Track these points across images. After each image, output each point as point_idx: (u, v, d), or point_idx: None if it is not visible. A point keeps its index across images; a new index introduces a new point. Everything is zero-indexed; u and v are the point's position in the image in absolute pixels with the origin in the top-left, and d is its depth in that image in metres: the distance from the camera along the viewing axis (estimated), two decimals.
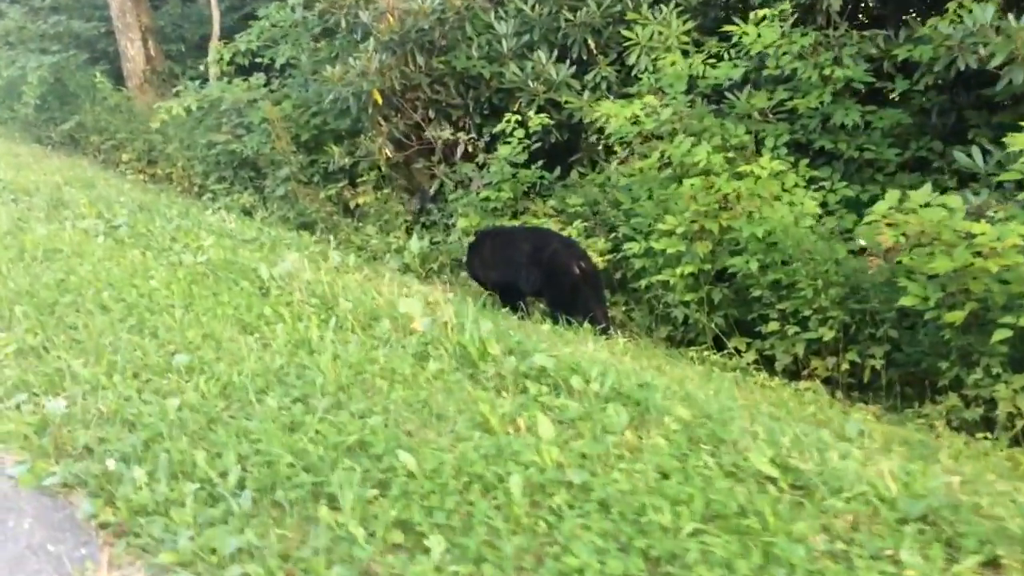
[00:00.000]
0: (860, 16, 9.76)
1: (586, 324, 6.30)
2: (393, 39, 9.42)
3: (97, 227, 6.73)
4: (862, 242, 5.79)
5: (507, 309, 6.80)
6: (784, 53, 7.65)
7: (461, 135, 8.84)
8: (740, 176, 6.70)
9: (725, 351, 6.49)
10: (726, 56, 8.32)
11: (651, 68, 8.84)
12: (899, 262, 5.50)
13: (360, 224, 9.65)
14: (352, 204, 9.90)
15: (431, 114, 10.02)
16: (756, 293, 6.29)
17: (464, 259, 7.95)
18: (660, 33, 9.08)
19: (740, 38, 7.81)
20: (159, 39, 15.98)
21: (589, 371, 3.90)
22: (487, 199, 8.33)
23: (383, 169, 9.79)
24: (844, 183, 7.51)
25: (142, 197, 10.01)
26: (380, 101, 9.44)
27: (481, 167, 8.73)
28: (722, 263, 6.61)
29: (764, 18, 7.90)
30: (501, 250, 7.44)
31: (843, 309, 5.96)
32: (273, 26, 10.72)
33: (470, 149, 8.81)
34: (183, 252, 6.05)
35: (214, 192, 11.40)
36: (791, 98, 7.61)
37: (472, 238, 7.89)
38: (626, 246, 6.96)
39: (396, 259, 8.84)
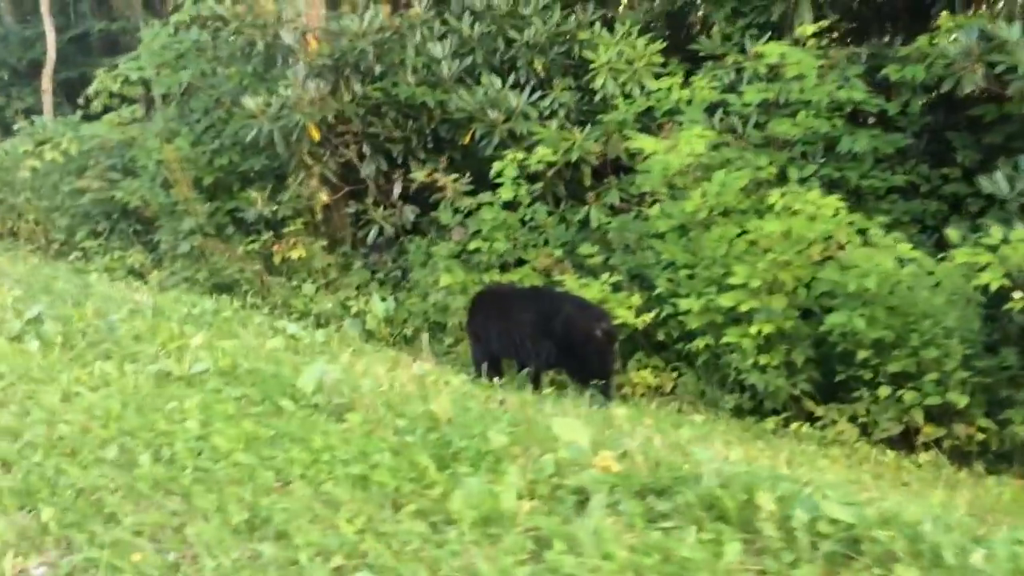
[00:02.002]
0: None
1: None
2: (327, 64, 7.97)
3: (9, 324, 4.96)
4: None
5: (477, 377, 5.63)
6: (807, 76, 6.89)
7: (439, 175, 7.50)
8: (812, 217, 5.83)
9: (817, 422, 5.59)
10: (725, 79, 7.51)
11: (622, 93, 7.92)
12: None
13: (296, 283, 8.09)
14: (277, 259, 8.30)
15: (365, 150, 8.63)
16: (862, 355, 5.40)
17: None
18: (621, 54, 8.16)
19: (762, 58, 7.01)
20: None
21: (904, 525, 2.81)
22: (476, 251, 7.04)
23: (317, 216, 8.28)
24: (862, 215, 6.78)
25: (13, 268, 7.98)
26: (317, 136, 7.95)
27: (456, 212, 7.43)
28: (788, 319, 5.72)
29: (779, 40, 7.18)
30: (495, 319, 6.21)
31: (970, 368, 5.20)
32: (163, 49, 8.90)
33: (449, 192, 7.49)
34: (162, 356, 4.47)
35: (84, 250, 9.39)
36: (826, 126, 6.84)
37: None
38: (680, 303, 5.91)
39: (355, 324, 7.39)
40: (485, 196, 7.17)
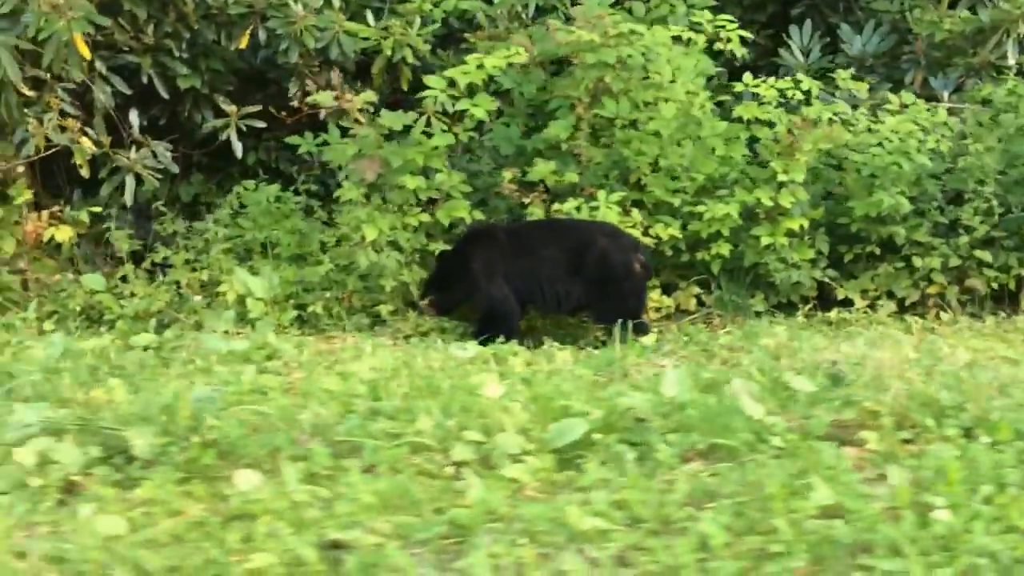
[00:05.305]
0: None
1: None
2: None
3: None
4: None
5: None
6: None
7: (340, 92, 5.45)
8: None
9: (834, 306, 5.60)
10: None
11: None
12: None
13: (74, 274, 5.37)
14: (15, 245, 5.38)
15: (96, 66, 5.95)
16: (897, 230, 5.51)
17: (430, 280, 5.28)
18: None
19: None
20: None
21: None
22: (399, 188, 5.36)
23: (83, 169, 5.49)
24: None
25: None
26: (88, 54, 5.19)
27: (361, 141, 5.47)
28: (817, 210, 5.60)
29: None
30: (512, 259, 5.13)
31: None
32: None
33: (355, 114, 5.48)
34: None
35: None
36: None
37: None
38: (715, 210, 5.31)
39: (223, 317, 5.24)
40: (395, 118, 5.40)
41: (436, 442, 2.67)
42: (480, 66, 5.40)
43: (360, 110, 5.45)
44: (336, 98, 5.45)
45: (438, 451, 2.66)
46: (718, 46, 5.59)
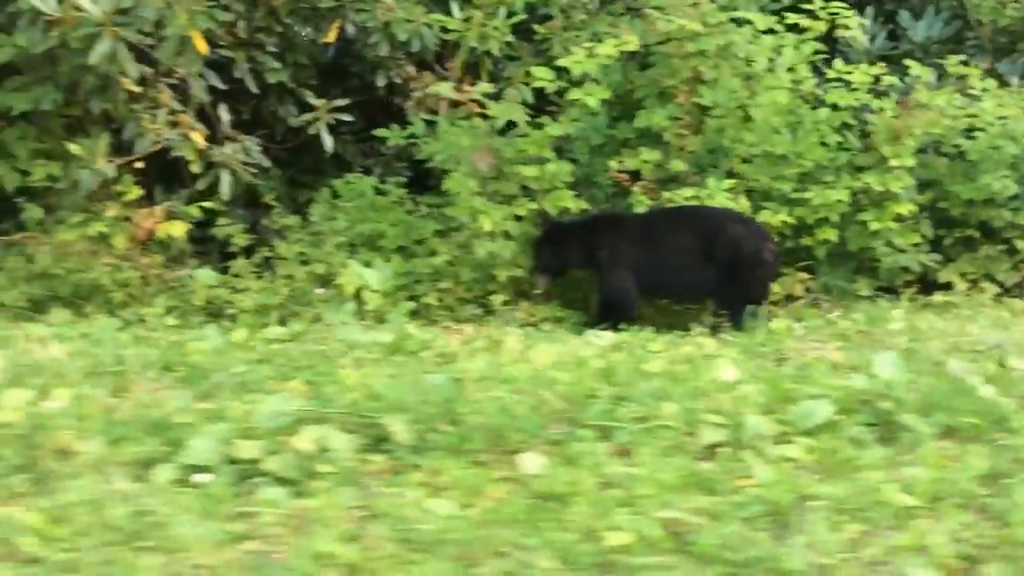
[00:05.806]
0: None
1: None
2: None
3: None
4: None
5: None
6: None
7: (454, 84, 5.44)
8: None
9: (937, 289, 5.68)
10: None
11: None
12: None
13: (192, 268, 5.38)
14: (126, 240, 5.36)
15: None
16: (1001, 214, 5.62)
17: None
18: None
19: None
20: None
21: None
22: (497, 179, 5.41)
23: (194, 166, 5.49)
24: None
25: None
26: (205, 49, 5.18)
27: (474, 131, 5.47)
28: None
29: None
30: (640, 248, 5.18)
31: None
32: None
33: (464, 101, 5.50)
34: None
35: None
36: None
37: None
38: (829, 194, 5.37)
39: (343, 310, 5.26)
40: (505, 109, 5.40)
41: (683, 425, 2.72)
42: (591, 55, 5.43)
43: (473, 100, 5.47)
44: (456, 89, 5.44)
45: (686, 434, 2.70)
46: (839, 33, 5.64)
